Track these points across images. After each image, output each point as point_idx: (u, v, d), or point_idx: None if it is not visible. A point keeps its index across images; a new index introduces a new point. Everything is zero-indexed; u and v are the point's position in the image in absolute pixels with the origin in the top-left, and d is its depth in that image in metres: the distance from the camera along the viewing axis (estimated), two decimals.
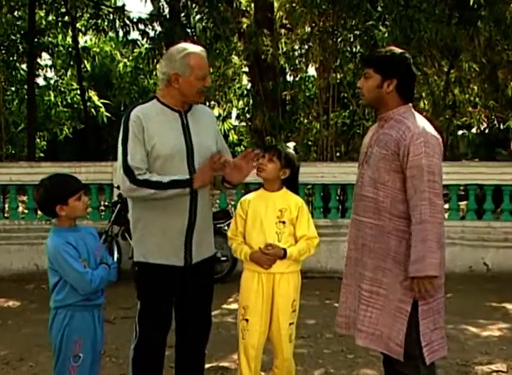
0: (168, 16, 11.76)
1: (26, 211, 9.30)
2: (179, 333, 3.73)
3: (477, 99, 12.21)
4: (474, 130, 18.94)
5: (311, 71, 18.83)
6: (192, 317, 3.69)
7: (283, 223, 3.74)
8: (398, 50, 3.40)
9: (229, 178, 3.65)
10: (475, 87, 11.87)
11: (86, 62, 16.56)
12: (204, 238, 3.66)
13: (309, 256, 3.86)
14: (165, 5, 12.12)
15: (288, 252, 3.70)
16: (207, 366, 4.12)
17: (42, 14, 14.33)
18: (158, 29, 11.90)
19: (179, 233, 3.52)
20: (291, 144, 3.96)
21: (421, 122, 3.29)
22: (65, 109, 17.47)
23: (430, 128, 3.28)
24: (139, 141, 3.42)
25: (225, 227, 7.44)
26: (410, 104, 3.42)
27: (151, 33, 12.02)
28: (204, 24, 10.98)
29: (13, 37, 14.04)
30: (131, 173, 3.40)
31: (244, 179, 3.70)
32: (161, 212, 3.48)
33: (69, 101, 17.75)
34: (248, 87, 13.68)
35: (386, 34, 9.29)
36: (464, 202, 9.65)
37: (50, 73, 17.22)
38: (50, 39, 15.33)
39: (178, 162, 3.47)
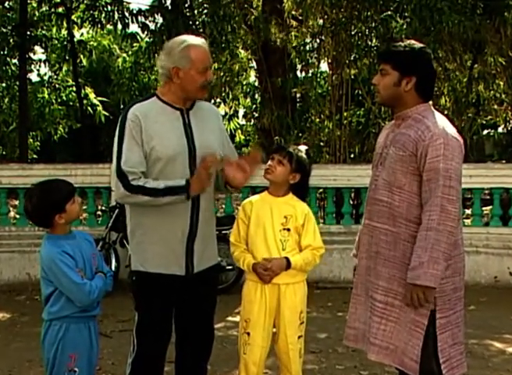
0: (169, 8, 11.79)
1: (17, 216, 9.35)
2: (180, 346, 3.74)
3: (503, 96, 12.15)
4: (500, 130, 18.87)
5: (323, 66, 18.80)
6: (193, 330, 3.69)
7: (288, 230, 3.75)
8: (417, 44, 3.39)
9: (229, 180, 3.58)
10: (501, 83, 11.81)
11: (82, 56, 16.63)
12: (207, 246, 3.67)
13: (315, 266, 3.88)
14: None
15: (292, 262, 3.70)
16: None
17: (35, 5, 14.41)
18: (159, 21, 11.95)
19: (180, 241, 3.52)
20: (303, 148, 3.91)
21: (442, 122, 3.29)
22: (59, 107, 17.54)
23: (451, 129, 3.28)
24: (136, 142, 3.42)
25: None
26: (430, 102, 3.42)
27: (152, 26, 12.07)
28: (205, 18, 11.00)
29: (4, 30, 14.12)
30: (125, 177, 3.39)
31: (246, 182, 3.62)
32: (161, 218, 3.49)
33: (65, 98, 17.83)
34: (256, 83, 13.72)
35: (404, 26, 9.29)
36: (489, 207, 9.64)
37: (44, 69, 17.31)
38: (43, 32, 15.39)
39: (179, 165, 3.47)
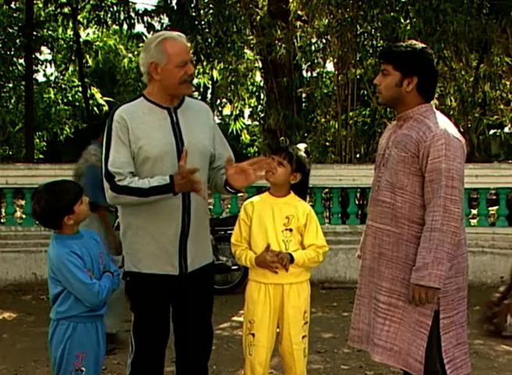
0: (175, 8, 11.80)
1: (23, 216, 9.37)
2: (179, 346, 3.73)
3: (509, 96, 12.14)
4: (506, 130, 18.83)
5: (329, 66, 18.79)
6: (191, 329, 3.68)
7: (290, 230, 3.75)
8: (419, 45, 3.41)
9: (231, 181, 3.56)
10: (507, 83, 11.80)
11: (88, 56, 16.63)
12: (201, 244, 3.65)
13: (319, 264, 3.88)
14: None
15: (295, 257, 3.69)
16: None
17: (41, 5, 14.42)
18: (165, 21, 11.96)
19: (172, 240, 3.51)
20: (302, 146, 3.89)
21: (443, 122, 3.30)
22: (66, 107, 17.54)
23: (453, 129, 3.30)
24: (123, 143, 3.42)
25: None
26: (432, 102, 3.44)
27: (158, 26, 12.08)
28: (211, 19, 11.00)
29: (10, 30, 14.13)
30: (111, 179, 3.40)
31: (248, 185, 3.61)
32: (152, 218, 3.48)
33: (71, 98, 17.83)
34: (262, 83, 13.71)
35: (408, 27, 9.28)
36: (495, 207, 9.64)
37: (50, 69, 17.31)
38: (49, 32, 15.41)
39: (168, 164, 3.46)
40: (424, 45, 3.42)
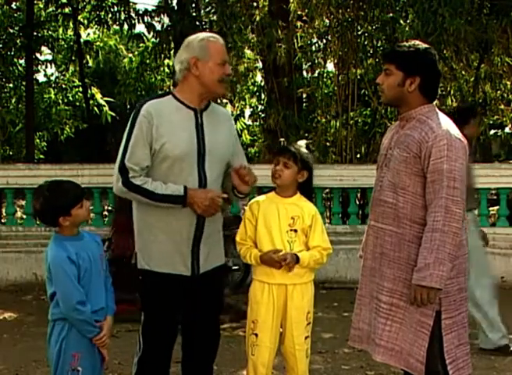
0: (175, 8, 11.80)
1: (24, 216, 9.36)
2: (186, 346, 3.74)
3: (510, 96, 12.15)
4: (507, 130, 18.81)
5: (330, 66, 18.78)
6: (199, 330, 3.69)
7: (295, 231, 3.73)
8: (422, 45, 3.41)
9: (235, 186, 3.63)
10: (508, 83, 11.81)
11: (88, 57, 16.63)
12: (214, 246, 3.68)
13: (322, 265, 3.87)
14: None
15: (300, 258, 3.67)
16: None
17: (41, 5, 14.42)
18: (166, 22, 11.96)
19: (187, 241, 3.53)
20: (303, 143, 3.87)
21: (446, 123, 3.30)
22: (66, 108, 17.54)
23: (455, 130, 3.30)
24: (143, 138, 3.44)
25: None
26: (434, 103, 3.43)
27: (158, 27, 12.08)
28: (212, 18, 10.99)
29: (11, 30, 14.15)
30: (125, 173, 3.46)
31: (249, 190, 3.69)
32: (168, 218, 3.51)
33: (71, 98, 17.83)
34: (262, 83, 13.71)
35: (407, 28, 9.28)
36: (496, 207, 9.63)
37: (50, 69, 17.29)
38: (50, 32, 15.41)
39: (187, 164, 3.49)
40: (427, 46, 3.42)
